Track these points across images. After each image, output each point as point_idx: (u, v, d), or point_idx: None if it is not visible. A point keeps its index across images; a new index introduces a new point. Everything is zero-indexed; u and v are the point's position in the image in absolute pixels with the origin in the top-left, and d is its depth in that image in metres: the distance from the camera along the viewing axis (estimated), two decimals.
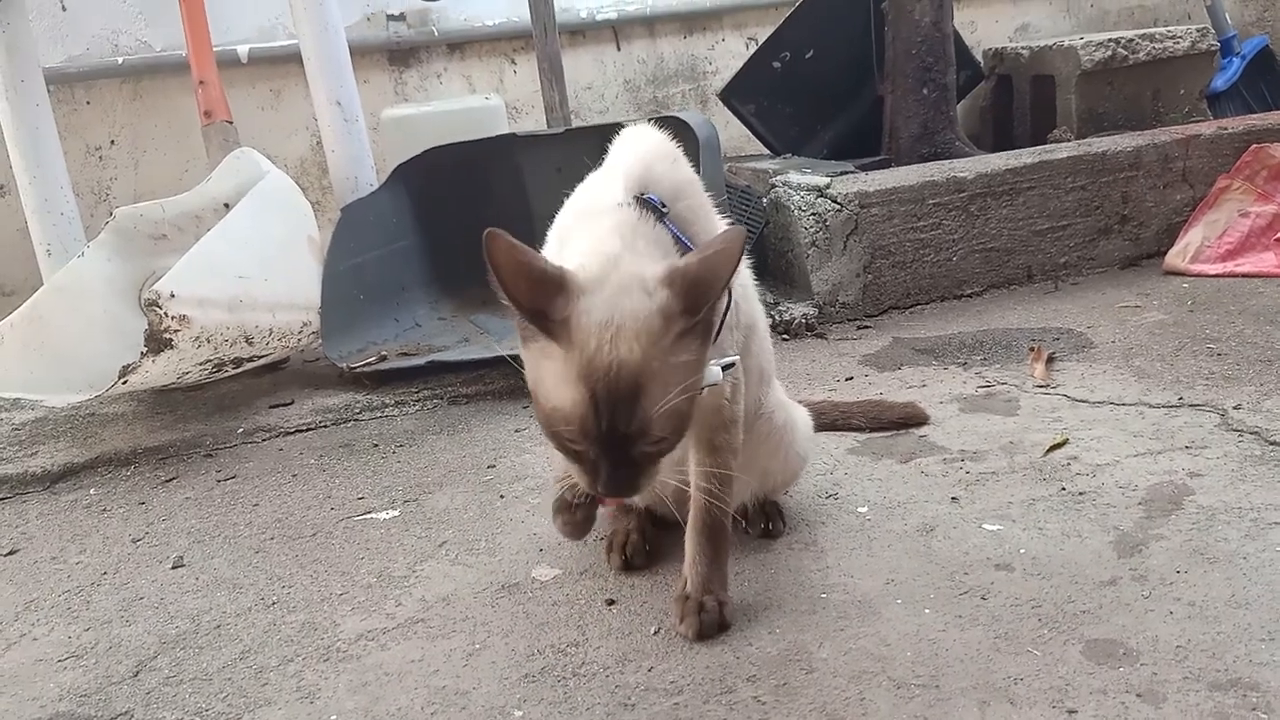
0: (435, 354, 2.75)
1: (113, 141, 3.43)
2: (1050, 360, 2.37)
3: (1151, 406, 2.06)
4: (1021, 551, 1.57)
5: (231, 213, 2.60)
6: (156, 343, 2.32)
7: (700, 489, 1.49)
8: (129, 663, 1.59)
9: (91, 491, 2.30)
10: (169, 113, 3.39)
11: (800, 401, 2.14)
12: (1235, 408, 1.99)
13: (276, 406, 2.63)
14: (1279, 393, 2.03)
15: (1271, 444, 1.82)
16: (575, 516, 1.53)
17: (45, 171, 2.98)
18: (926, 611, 1.44)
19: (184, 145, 3.36)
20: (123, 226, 2.84)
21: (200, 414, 2.62)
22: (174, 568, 1.89)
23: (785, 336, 2.79)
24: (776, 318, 2.81)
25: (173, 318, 2.32)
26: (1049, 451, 1.91)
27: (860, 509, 1.78)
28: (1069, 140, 3.30)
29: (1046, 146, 3.12)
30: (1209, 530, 1.57)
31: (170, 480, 2.31)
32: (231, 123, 2.99)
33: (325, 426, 2.53)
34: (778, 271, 2.99)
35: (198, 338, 2.39)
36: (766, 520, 1.71)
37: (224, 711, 1.43)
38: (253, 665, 1.54)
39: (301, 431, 2.51)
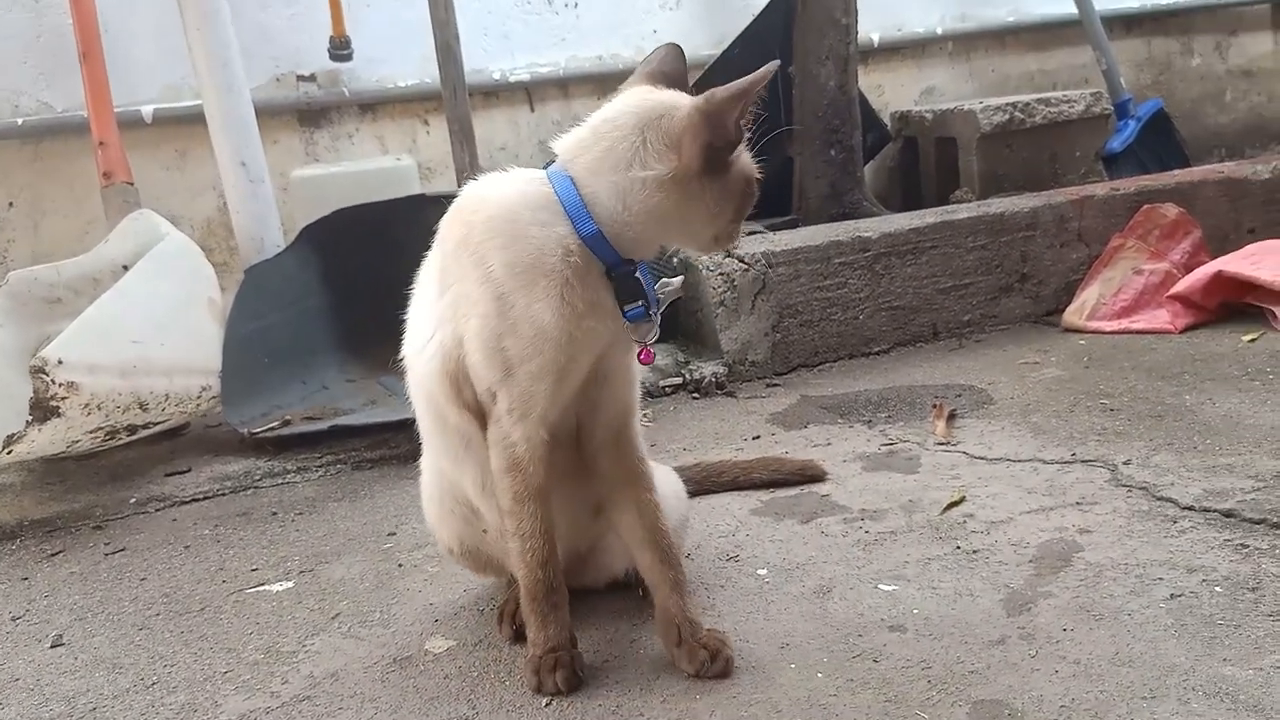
0: (340, 417, 2.71)
1: (11, 204, 3.34)
2: (952, 417, 2.40)
3: (1045, 463, 2.10)
4: (915, 612, 1.58)
5: (127, 275, 2.55)
6: (43, 411, 2.25)
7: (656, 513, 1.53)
8: None
9: None
10: (70, 175, 3.32)
11: (698, 462, 2.16)
12: (1125, 463, 2.03)
13: (173, 474, 2.56)
14: (1167, 447, 2.08)
15: (1159, 499, 1.86)
16: (562, 666, 1.47)
17: None
18: (819, 675, 1.43)
19: (85, 207, 3.28)
20: (16, 290, 2.76)
21: (92, 483, 2.54)
22: (53, 647, 1.81)
23: (695, 395, 2.79)
24: (686, 376, 2.82)
25: (60, 384, 2.26)
26: (946, 509, 1.93)
27: (760, 571, 1.77)
28: (970, 200, 3.38)
29: (949, 207, 3.20)
30: (1096, 587, 1.59)
31: (56, 554, 2.22)
32: (132, 184, 2.93)
33: (223, 494, 2.46)
34: (688, 330, 3.01)
35: (87, 405, 2.32)
36: None
37: None
38: None
39: (198, 500, 2.44)
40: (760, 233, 3.08)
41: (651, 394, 2.79)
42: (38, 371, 2.23)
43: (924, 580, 1.67)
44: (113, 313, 2.43)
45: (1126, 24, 4.66)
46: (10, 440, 2.26)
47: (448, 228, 1.50)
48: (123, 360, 2.40)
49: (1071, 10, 4.20)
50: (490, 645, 1.63)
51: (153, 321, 2.50)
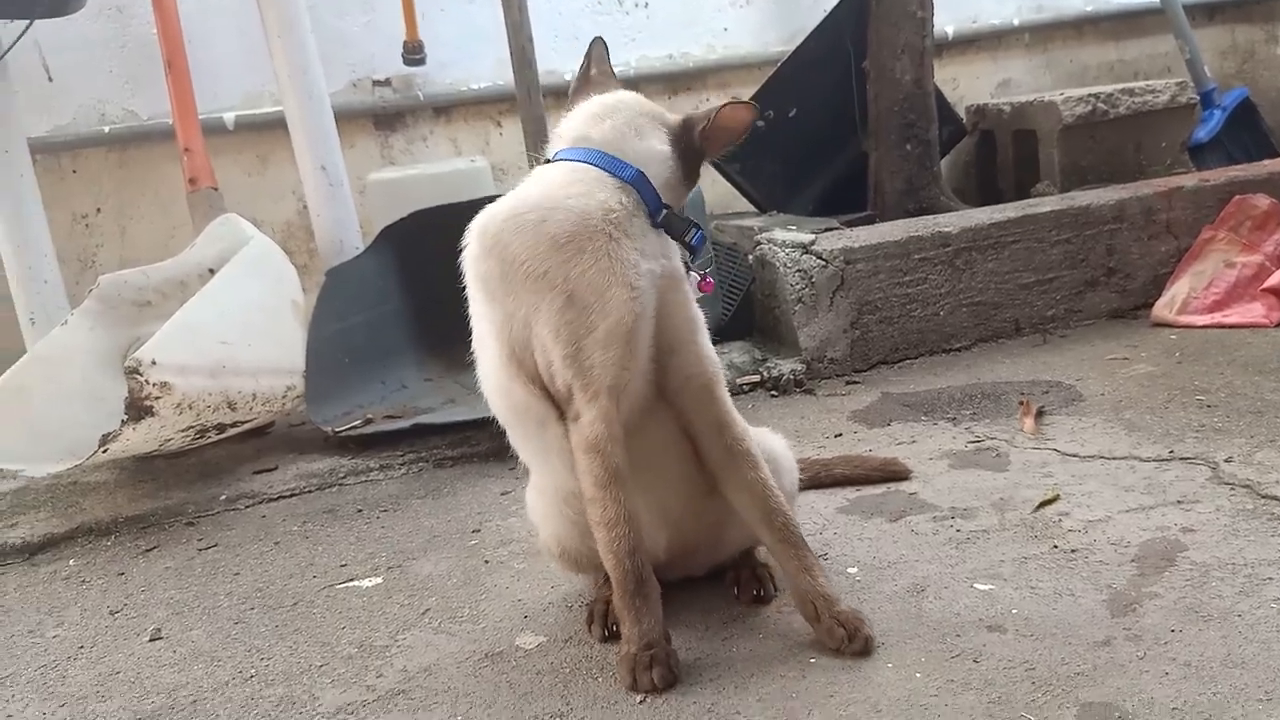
0: (420, 415, 2.73)
1: (99, 209, 3.43)
2: (1040, 414, 2.35)
3: (1142, 460, 2.04)
4: (1014, 612, 1.54)
5: (215, 279, 2.59)
6: (137, 410, 2.30)
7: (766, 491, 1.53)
8: None
9: (71, 562, 2.27)
10: (155, 181, 3.40)
11: None
12: (1226, 460, 1.97)
13: (260, 472, 2.60)
14: (1270, 445, 2.02)
15: (1264, 497, 1.80)
16: (657, 664, 1.45)
17: (29, 240, 2.98)
18: (918, 675, 1.41)
19: (170, 212, 3.36)
20: (106, 294, 2.82)
21: (183, 481, 2.59)
22: (151, 640, 1.85)
23: (774, 393, 2.77)
24: (764, 374, 2.80)
25: (154, 385, 2.30)
26: (1039, 508, 1.89)
27: (850, 569, 1.75)
28: (1052, 194, 3.31)
29: (1030, 200, 3.14)
30: (1203, 587, 1.54)
31: (151, 550, 2.27)
32: (217, 189, 2.99)
33: (309, 492, 2.50)
34: (765, 328, 2.99)
35: (179, 404, 2.37)
36: (758, 585, 1.68)
37: None
38: None
39: (285, 498, 2.48)
40: (837, 229, 3.04)
41: (729, 392, 2.76)
42: (132, 372, 2.28)
43: (1021, 580, 1.64)
44: (201, 315, 2.47)
45: (1209, 12, 4.53)
46: (106, 439, 2.32)
47: (476, 249, 1.52)
48: (212, 361, 2.44)
49: None
50: (581, 642, 1.63)
51: (240, 323, 2.54)
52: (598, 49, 1.69)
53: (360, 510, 2.34)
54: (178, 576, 2.11)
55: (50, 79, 3.30)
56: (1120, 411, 2.32)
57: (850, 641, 1.46)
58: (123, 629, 1.91)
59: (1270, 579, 1.54)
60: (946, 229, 2.91)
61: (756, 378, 2.79)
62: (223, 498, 2.49)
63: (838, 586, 1.65)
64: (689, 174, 1.59)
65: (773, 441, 1.71)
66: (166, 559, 2.21)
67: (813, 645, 1.51)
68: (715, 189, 3.71)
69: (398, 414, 2.79)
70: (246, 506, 2.45)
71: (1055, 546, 1.73)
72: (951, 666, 1.42)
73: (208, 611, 1.93)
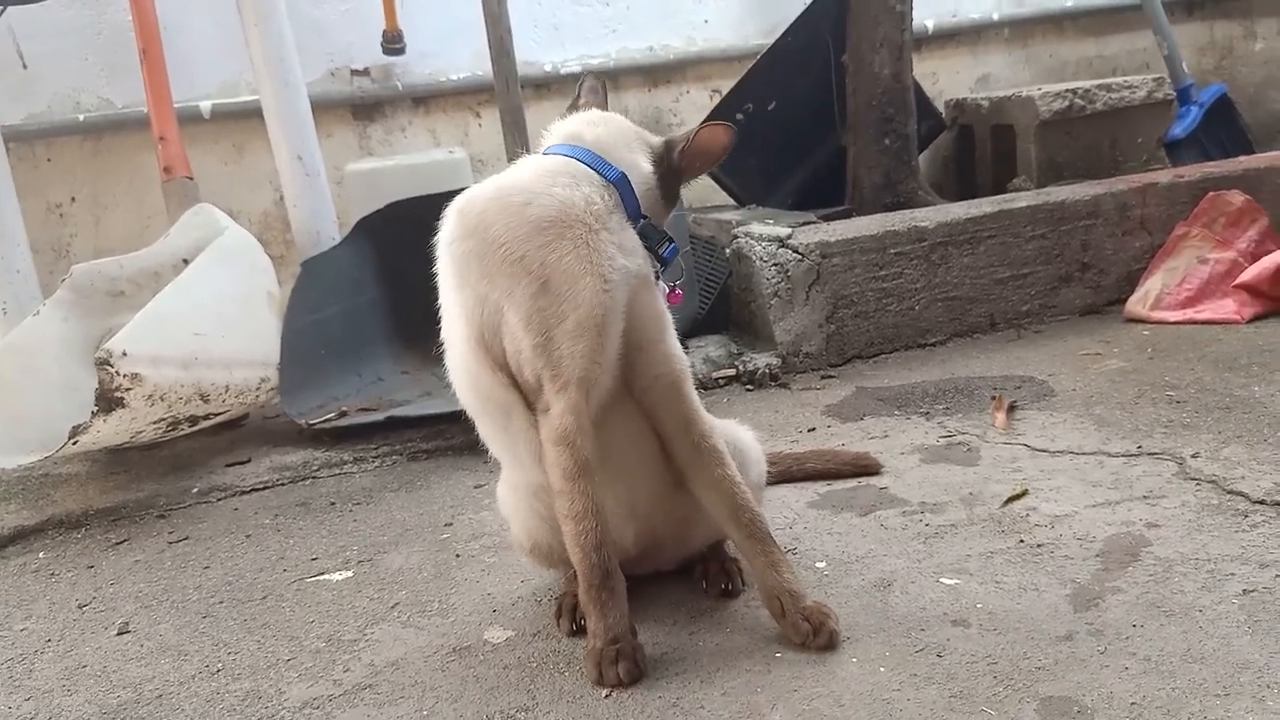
0: (395, 408, 2.72)
1: (73, 198, 3.40)
2: (1011, 409, 2.37)
3: (1110, 455, 2.06)
4: (978, 606, 1.55)
5: (188, 269, 2.58)
6: (108, 402, 2.29)
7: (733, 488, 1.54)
8: None
9: (41, 555, 2.26)
10: (130, 169, 3.37)
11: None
12: (1193, 456, 1.99)
13: (233, 465, 2.59)
14: (1236, 440, 2.03)
15: (1229, 493, 1.82)
16: (624, 658, 1.46)
17: (2, 230, 2.95)
18: (882, 670, 1.42)
19: (145, 202, 3.33)
20: (79, 284, 2.80)
21: (155, 473, 2.58)
22: (119, 634, 1.85)
23: (749, 387, 2.78)
24: (740, 367, 2.80)
25: (124, 376, 2.29)
26: (1008, 503, 1.90)
27: (819, 564, 1.76)
28: (1029, 189, 3.32)
29: (1006, 195, 3.15)
30: (1166, 582, 1.56)
31: (121, 543, 2.26)
32: (192, 179, 2.97)
33: (282, 485, 2.49)
34: (741, 322, 2.99)
35: (150, 396, 2.36)
36: (726, 579, 1.68)
37: None
38: None
39: (258, 490, 2.47)
40: (814, 223, 3.05)
41: (704, 385, 2.77)
42: (103, 363, 2.27)
43: (987, 574, 1.65)
44: (175, 306, 2.46)
45: (1188, 7, 4.55)
46: (76, 430, 2.30)
47: (454, 228, 1.52)
48: (185, 352, 2.43)
49: None
50: (549, 636, 1.63)
51: (213, 314, 2.53)
52: (590, 82, 1.74)
53: (333, 503, 2.34)
54: (147, 570, 2.10)
55: (25, 66, 3.27)
56: (1091, 407, 2.33)
57: (815, 636, 1.47)
58: (91, 622, 1.90)
59: (1232, 574, 1.55)
60: (923, 224, 2.91)
61: (732, 371, 2.80)
62: (194, 490, 2.48)
63: (805, 581, 1.65)
64: (668, 194, 1.63)
65: (740, 433, 1.71)
66: (136, 552, 2.20)
67: (779, 640, 1.51)
68: (695, 182, 3.70)
69: (373, 406, 2.78)
70: (218, 499, 2.45)
71: (1022, 541, 1.75)
72: (915, 660, 1.43)
73: (176, 605, 1.93)
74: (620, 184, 1.55)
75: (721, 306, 3.03)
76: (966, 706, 1.31)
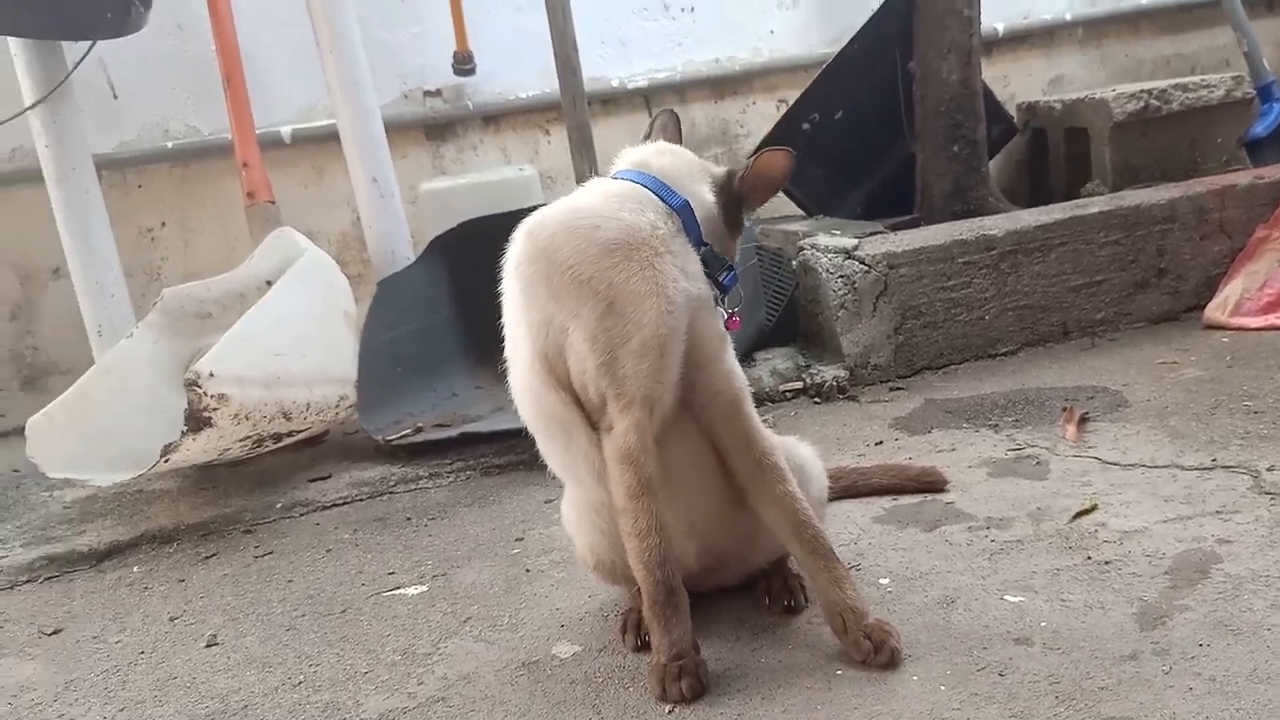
0: (468, 424, 2.79)
1: (163, 223, 3.55)
2: (1083, 421, 2.34)
3: (1184, 469, 2.03)
4: (1042, 624, 1.55)
5: (269, 291, 2.68)
6: (196, 421, 2.39)
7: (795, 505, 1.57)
8: None
9: (135, 569, 2.36)
10: (215, 194, 3.51)
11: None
12: (1269, 469, 1.95)
13: (315, 480, 2.68)
14: None
15: None
16: (686, 674, 1.50)
17: (95, 256, 3.09)
18: (942, 688, 1.43)
19: (230, 225, 3.46)
20: (170, 307, 2.93)
21: (241, 489, 2.68)
22: (208, 646, 1.93)
23: (816, 400, 2.79)
24: (807, 380, 2.81)
25: (212, 396, 2.39)
26: (1076, 518, 1.89)
27: (882, 580, 1.77)
28: (1102, 194, 3.27)
29: (1078, 201, 3.10)
30: (1235, 600, 1.54)
31: (210, 557, 2.36)
32: (274, 203, 3.08)
33: (361, 500, 2.57)
34: (809, 334, 3.00)
35: (236, 415, 2.46)
36: (789, 596, 1.70)
37: None
38: None
39: (338, 505, 2.55)
40: (881, 233, 3.04)
41: (771, 399, 2.79)
42: (191, 384, 2.37)
43: (1052, 591, 1.64)
44: (257, 328, 2.55)
45: (1269, 3, 4.42)
46: (168, 449, 2.41)
47: (524, 248, 1.57)
48: (267, 372, 2.52)
49: None
50: (614, 651, 1.67)
51: (294, 335, 2.63)
52: (663, 119, 1.80)
53: (409, 518, 2.41)
54: (234, 584, 2.19)
55: (115, 96, 3.42)
56: (1165, 418, 2.30)
57: (877, 654, 1.49)
58: (181, 635, 1.99)
59: None
60: (991, 232, 2.89)
61: (799, 384, 2.81)
62: (279, 505, 2.57)
63: (869, 598, 1.66)
64: (732, 221, 1.68)
65: (800, 450, 1.73)
66: (224, 566, 2.30)
67: (840, 657, 1.53)
68: None
69: (447, 422, 2.85)
70: (301, 514, 2.53)
71: (1089, 558, 1.74)
72: (976, 679, 1.44)
73: (261, 618, 2.01)
74: (683, 211, 1.60)
75: (789, 318, 3.05)
76: None
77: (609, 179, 1.66)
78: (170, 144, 3.48)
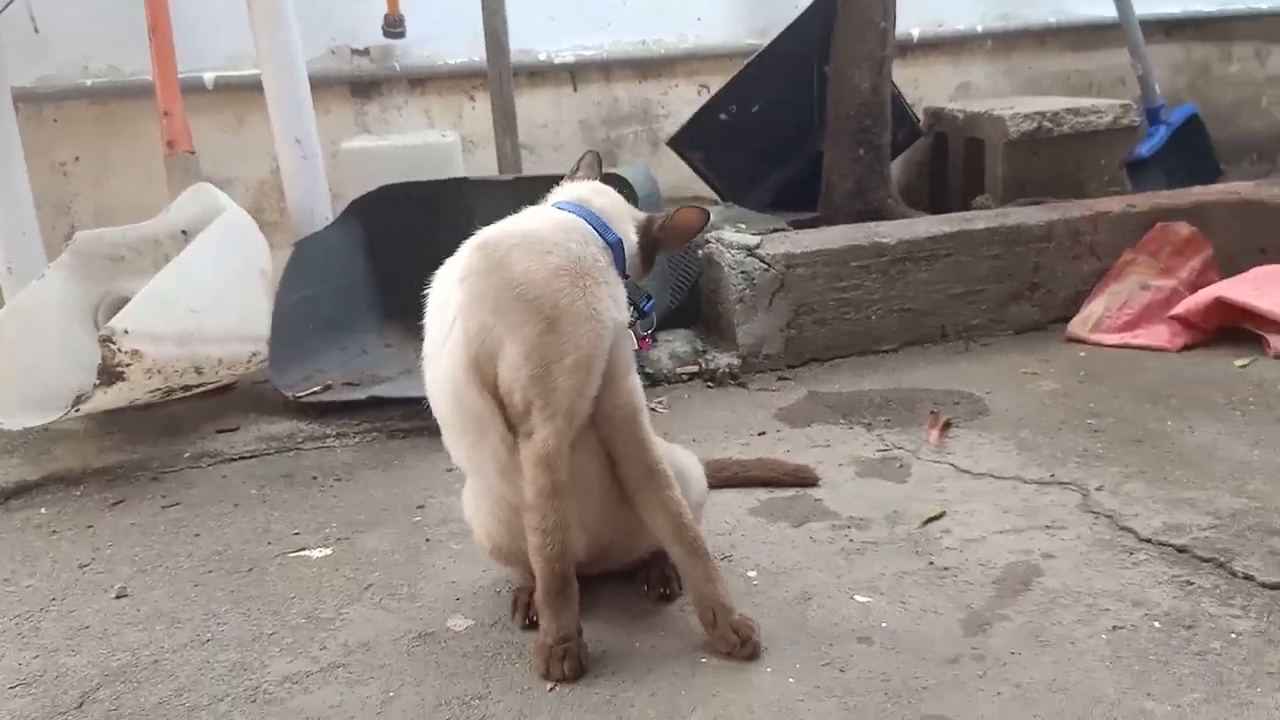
0: (376, 385, 2.90)
1: (77, 158, 3.54)
2: (947, 426, 2.56)
3: (1025, 482, 2.26)
4: (883, 625, 1.76)
5: (186, 249, 2.72)
6: (109, 376, 2.46)
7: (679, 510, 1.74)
8: (74, 694, 1.74)
9: (43, 511, 2.44)
10: (133, 135, 3.51)
11: (704, 460, 2.33)
12: (1098, 488, 2.19)
13: (223, 431, 2.77)
14: (1140, 475, 2.24)
15: (1121, 529, 2.02)
16: (569, 656, 1.67)
17: (10, 192, 3.08)
18: (790, 680, 1.62)
19: (146, 166, 3.45)
20: (82, 249, 2.96)
21: (149, 435, 2.75)
22: (118, 597, 2.03)
23: (710, 384, 2.97)
24: (702, 365, 2.99)
25: (125, 352, 2.46)
26: (926, 523, 2.10)
27: (750, 573, 1.95)
28: (990, 208, 3.49)
29: (967, 215, 3.32)
30: (1048, 614, 1.76)
31: (118, 504, 2.45)
32: (194, 153, 3.11)
33: (268, 454, 2.67)
34: (709, 321, 3.17)
35: (149, 370, 2.53)
36: (665, 585, 1.88)
37: None
38: (186, 703, 1.69)
39: (245, 459, 2.65)
40: (784, 230, 3.22)
41: (668, 380, 2.97)
42: (106, 340, 2.44)
43: (896, 594, 1.85)
44: (174, 285, 2.62)
45: (1166, 29, 4.69)
46: (79, 400, 2.48)
47: (475, 262, 1.69)
48: (181, 330, 2.60)
49: (1115, 13, 4.25)
50: (505, 627, 1.83)
51: (210, 293, 2.70)
52: (589, 158, 1.98)
53: (315, 477, 2.52)
54: (142, 534, 2.29)
55: (36, 30, 3.39)
56: (1018, 430, 2.53)
57: (742, 647, 1.68)
58: (91, 584, 2.09)
59: (1107, 610, 1.76)
60: (884, 240, 3.09)
61: (695, 368, 2.99)
62: (186, 455, 2.66)
63: (736, 589, 1.85)
64: (647, 259, 1.87)
65: (683, 458, 1.91)
66: (132, 514, 2.39)
67: (706, 647, 1.71)
68: (679, 172, 3.88)
69: (356, 381, 2.96)
70: (208, 465, 2.63)
71: (931, 563, 1.95)
72: (821, 674, 1.64)
73: (169, 572, 2.12)
74: (616, 247, 1.78)
75: (691, 303, 3.21)
76: (858, 719, 1.52)
77: (553, 208, 1.81)
78: (90, 82, 3.47)
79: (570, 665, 1.65)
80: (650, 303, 1.87)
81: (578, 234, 1.73)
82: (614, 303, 1.71)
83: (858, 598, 1.85)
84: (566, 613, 1.68)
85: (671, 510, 1.73)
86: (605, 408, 1.74)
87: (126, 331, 2.46)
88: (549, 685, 1.65)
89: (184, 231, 2.94)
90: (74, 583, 2.11)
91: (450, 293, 1.72)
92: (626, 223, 1.84)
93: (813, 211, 3.62)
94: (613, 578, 1.93)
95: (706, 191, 3.86)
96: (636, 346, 1.81)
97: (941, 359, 3.06)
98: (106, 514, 2.41)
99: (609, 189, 1.90)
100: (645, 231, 1.85)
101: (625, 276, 1.80)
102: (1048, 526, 2.06)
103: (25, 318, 2.83)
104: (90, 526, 2.35)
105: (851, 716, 1.53)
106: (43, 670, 1.81)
